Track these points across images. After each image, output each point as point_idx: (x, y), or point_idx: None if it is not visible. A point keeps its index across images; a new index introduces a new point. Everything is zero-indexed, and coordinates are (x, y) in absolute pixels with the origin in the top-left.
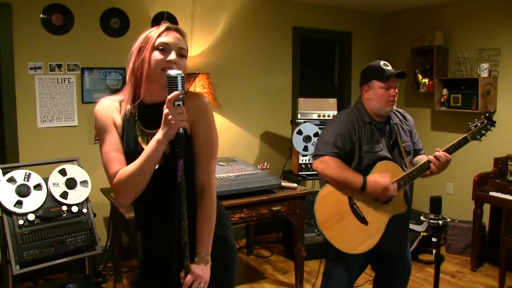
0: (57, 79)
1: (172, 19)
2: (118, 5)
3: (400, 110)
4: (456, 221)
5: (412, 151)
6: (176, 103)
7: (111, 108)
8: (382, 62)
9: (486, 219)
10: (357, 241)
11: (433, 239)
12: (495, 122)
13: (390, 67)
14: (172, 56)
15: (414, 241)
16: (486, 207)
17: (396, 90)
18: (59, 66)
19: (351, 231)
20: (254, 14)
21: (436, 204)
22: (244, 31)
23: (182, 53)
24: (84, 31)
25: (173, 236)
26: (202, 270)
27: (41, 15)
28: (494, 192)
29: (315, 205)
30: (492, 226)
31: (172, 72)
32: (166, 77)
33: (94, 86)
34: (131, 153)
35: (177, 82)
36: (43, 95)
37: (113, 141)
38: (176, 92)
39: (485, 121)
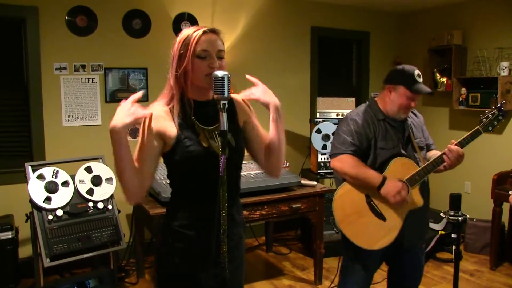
0: (81, 79)
1: (192, 20)
2: (140, 7)
3: None
4: (474, 220)
5: (424, 146)
6: (222, 102)
7: (161, 116)
8: (416, 72)
9: (505, 218)
10: (375, 237)
11: (453, 235)
12: (505, 112)
13: (421, 80)
14: (215, 64)
15: (432, 239)
16: (506, 206)
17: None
18: (83, 66)
19: (370, 227)
20: (273, 14)
21: (455, 201)
22: (263, 31)
23: (221, 56)
24: (107, 32)
25: (213, 226)
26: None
27: (66, 17)
28: None
29: (333, 204)
30: (511, 225)
31: (219, 73)
32: (213, 78)
33: (116, 86)
34: (197, 154)
35: (223, 83)
36: (68, 94)
37: (140, 145)
38: None
39: (496, 112)
